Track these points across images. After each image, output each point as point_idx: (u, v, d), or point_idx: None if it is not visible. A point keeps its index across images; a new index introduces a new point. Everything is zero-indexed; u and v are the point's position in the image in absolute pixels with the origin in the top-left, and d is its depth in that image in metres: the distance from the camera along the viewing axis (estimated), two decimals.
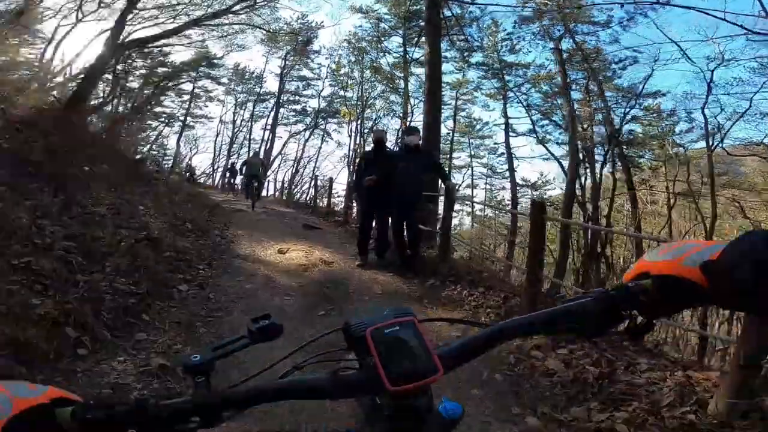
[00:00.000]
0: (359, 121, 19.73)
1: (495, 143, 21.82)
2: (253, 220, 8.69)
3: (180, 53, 26.36)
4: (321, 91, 26.45)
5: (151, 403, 0.42)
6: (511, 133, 18.41)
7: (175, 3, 14.02)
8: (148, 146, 30.96)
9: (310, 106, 29.45)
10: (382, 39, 18.40)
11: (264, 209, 10.88)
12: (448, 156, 19.72)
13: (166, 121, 32.11)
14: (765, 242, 0.40)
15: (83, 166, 5.91)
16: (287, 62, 26.43)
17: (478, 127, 21.99)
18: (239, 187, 15.51)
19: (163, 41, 19.14)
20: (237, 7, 13.56)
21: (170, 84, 29.48)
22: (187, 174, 16.89)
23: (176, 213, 6.56)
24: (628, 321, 0.50)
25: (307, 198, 18.47)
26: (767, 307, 0.41)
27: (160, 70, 26.11)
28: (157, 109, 31.78)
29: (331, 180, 12.79)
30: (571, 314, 0.50)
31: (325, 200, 12.39)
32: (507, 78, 17.04)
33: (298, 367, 0.53)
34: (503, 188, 23.37)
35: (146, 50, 21.34)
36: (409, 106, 17.63)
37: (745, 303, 0.43)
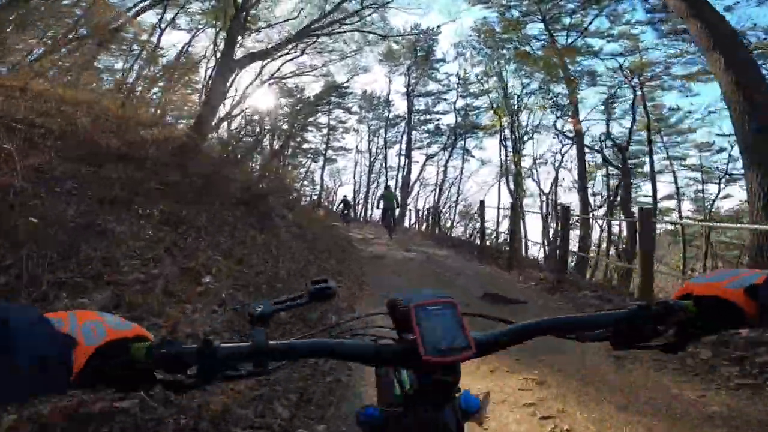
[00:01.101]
0: (512, 124, 15.76)
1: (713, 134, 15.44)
2: (395, 277, 6.05)
3: (312, 88, 26.95)
4: (455, 102, 23.63)
5: (215, 345, 0.45)
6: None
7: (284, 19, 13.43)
8: (301, 182, 33.09)
9: (443, 124, 27.12)
10: (520, 25, 14.73)
11: (408, 251, 8.24)
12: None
13: (312, 156, 33.90)
14: None
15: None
16: (411, 78, 24.56)
17: (673, 119, 16.04)
18: (350, 218, 15.62)
19: (291, 72, 19.39)
20: (343, 18, 12.48)
21: (309, 118, 31.07)
22: (342, 209, 15.06)
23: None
24: (663, 335, 0.50)
25: (465, 231, 15.61)
26: None
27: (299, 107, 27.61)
28: (305, 146, 34.07)
29: (482, 204, 9.45)
30: (608, 322, 0.51)
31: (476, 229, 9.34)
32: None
33: (343, 332, 0.61)
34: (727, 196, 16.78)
35: (285, 87, 22.32)
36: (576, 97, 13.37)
37: None
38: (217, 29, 14.38)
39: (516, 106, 15.16)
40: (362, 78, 34.96)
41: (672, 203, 16.54)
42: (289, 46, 16.74)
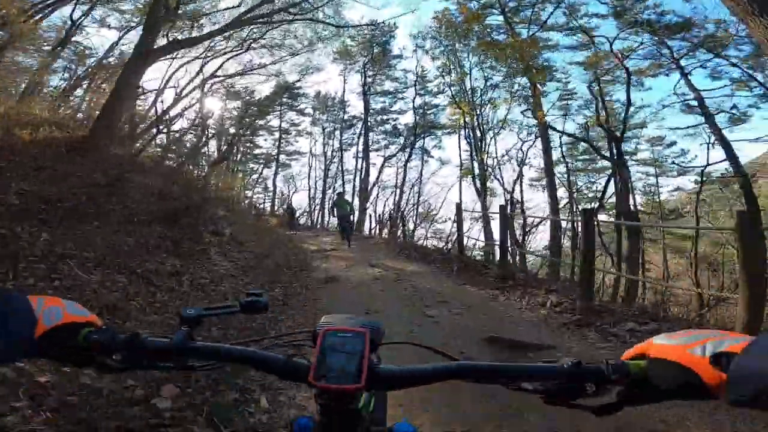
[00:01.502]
0: (475, 120, 14.77)
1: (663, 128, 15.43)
2: (360, 312, 4.65)
3: (263, 89, 25.01)
4: (414, 99, 22.67)
5: (143, 338, 0.52)
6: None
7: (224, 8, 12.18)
8: (251, 189, 30.99)
9: (401, 124, 26.17)
10: (481, 17, 14.03)
11: (372, 267, 6.89)
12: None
13: (264, 161, 31.84)
14: None
15: None
16: (367, 76, 23.35)
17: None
18: (297, 225, 15.49)
19: (237, 72, 17.75)
20: (288, 6, 11.21)
21: (259, 121, 29.11)
22: (288, 215, 15.61)
23: None
24: (597, 396, 0.47)
25: (426, 234, 14.48)
26: None
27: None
28: (256, 151, 31.95)
29: (458, 207, 8.35)
30: (538, 375, 0.49)
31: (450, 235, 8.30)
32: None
33: (264, 346, 0.61)
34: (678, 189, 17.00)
35: (232, 89, 20.74)
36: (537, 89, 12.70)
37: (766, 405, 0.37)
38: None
39: (479, 100, 14.30)
40: (315, 78, 33.31)
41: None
42: (231, 42, 15.18)
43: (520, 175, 14.55)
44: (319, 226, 26.82)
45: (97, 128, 7.63)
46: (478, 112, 14.03)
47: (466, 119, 14.26)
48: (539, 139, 13.28)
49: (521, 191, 15.51)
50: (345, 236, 10.58)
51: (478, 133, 14.07)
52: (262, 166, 32.29)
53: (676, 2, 22.73)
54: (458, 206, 7.96)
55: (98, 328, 0.53)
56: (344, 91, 27.53)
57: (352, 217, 12.13)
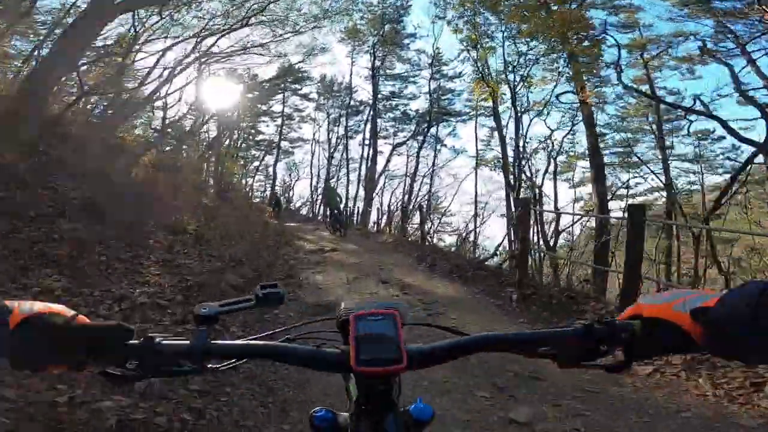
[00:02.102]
0: (506, 100, 12.51)
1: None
2: None
3: (266, 73, 22.89)
4: (429, 79, 20.55)
5: (156, 341, 0.47)
6: None
7: None
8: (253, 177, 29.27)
9: (411, 110, 24.08)
10: None
11: (385, 285, 4.89)
12: None
13: (266, 148, 29.95)
14: (763, 292, 0.39)
15: None
16: (376, 58, 21.13)
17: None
18: (281, 213, 15.41)
19: (235, 49, 16.01)
20: None
21: (262, 105, 27.21)
22: (273, 206, 14.90)
23: None
24: (606, 356, 0.49)
25: (431, 229, 12.37)
26: (759, 357, 0.41)
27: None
28: (258, 138, 30.05)
29: (525, 205, 5.95)
30: (551, 339, 0.50)
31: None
32: None
33: (291, 338, 0.57)
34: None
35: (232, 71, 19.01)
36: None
37: (737, 352, 0.43)
38: None
39: (512, 77, 12.02)
40: (321, 59, 31.01)
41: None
42: (229, 19, 13.27)
43: (556, 167, 12.51)
44: (320, 217, 24.94)
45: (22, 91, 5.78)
46: (514, 88, 11.70)
47: (494, 99, 11.97)
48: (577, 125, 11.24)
49: (555, 186, 13.43)
50: (337, 229, 10.40)
51: (516, 112, 11.65)
52: (263, 153, 30.41)
53: None
54: (525, 204, 5.74)
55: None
56: (351, 73, 25.36)
57: (341, 204, 11.96)
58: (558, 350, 0.49)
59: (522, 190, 11.28)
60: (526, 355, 0.51)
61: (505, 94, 12.37)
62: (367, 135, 23.98)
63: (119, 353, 0.46)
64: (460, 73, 21.67)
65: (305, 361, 0.51)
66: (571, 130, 12.55)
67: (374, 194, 21.22)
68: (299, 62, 20.95)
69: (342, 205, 12.17)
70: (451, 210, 21.96)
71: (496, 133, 14.74)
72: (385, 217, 13.68)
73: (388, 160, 22.93)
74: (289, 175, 31.71)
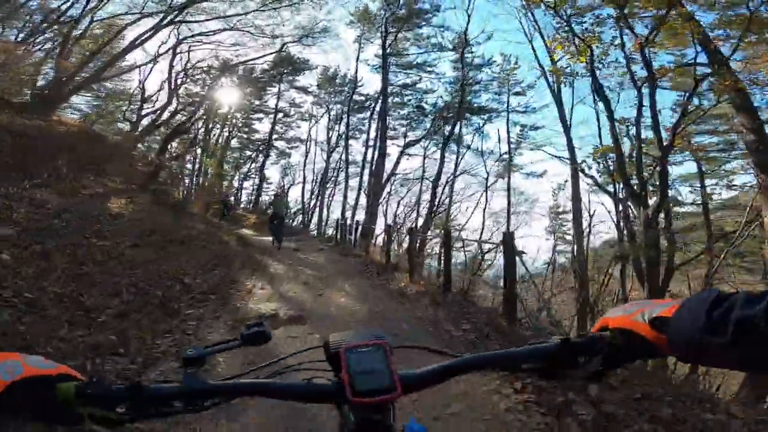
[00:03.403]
0: (626, 63, 7.87)
1: None
2: None
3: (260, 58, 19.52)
4: (457, 59, 17.25)
5: (145, 386, 0.47)
6: None
7: None
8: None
9: (427, 103, 20.70)
10: None
11: None
12: None
13: (259, 147, 26.50)
14: (715, 300, 0.41)
15: None
16: (389, 34, 17.62)
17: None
18: (228, 217, 14.96)
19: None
20: None
21: (256, 99, 23.84)
22: (222, 210, 14.46)
23: None
24: (585, 366, 0.52)
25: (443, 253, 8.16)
26: (719, 360, 0.42)
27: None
28: (254, 137, 26.73)
29: None
30: (534, 355, 0.54)
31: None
32: None
33: (280, 372, 0.60)
34: None
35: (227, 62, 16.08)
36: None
37: (698, 356, 0.43)
38: None
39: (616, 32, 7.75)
40: (324, 45, 27.76)
41: None
42: None
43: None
44: (314, 230, 21.26)
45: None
46: (624, 45, 7.35)
47: (590, 59, 7.52)
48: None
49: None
50: (276, 235, 10.27)
51: (597, 86, 7.44)
52: (256, 153, 26.94)
53: None
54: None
55: (79, 380, 0.48)
56: (357, 59, 22.01)
57: (284, 218, 12.24)
58: (541, 364, 0.53)
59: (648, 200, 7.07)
60: (512, 371, 0.54)
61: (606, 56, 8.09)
62: (372, 135, 20.54)
63: (110, 402, 0.46)
64: (491, 59, 18.37)
65: (299, 396, 0.52)
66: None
67: (380, 201, 17.58)
68: (295, 41, 17.65)
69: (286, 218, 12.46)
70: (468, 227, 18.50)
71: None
72: (395, 236, 9.60)
73: (398, 162, 19.46)
74: (285, 179, 28.41)
